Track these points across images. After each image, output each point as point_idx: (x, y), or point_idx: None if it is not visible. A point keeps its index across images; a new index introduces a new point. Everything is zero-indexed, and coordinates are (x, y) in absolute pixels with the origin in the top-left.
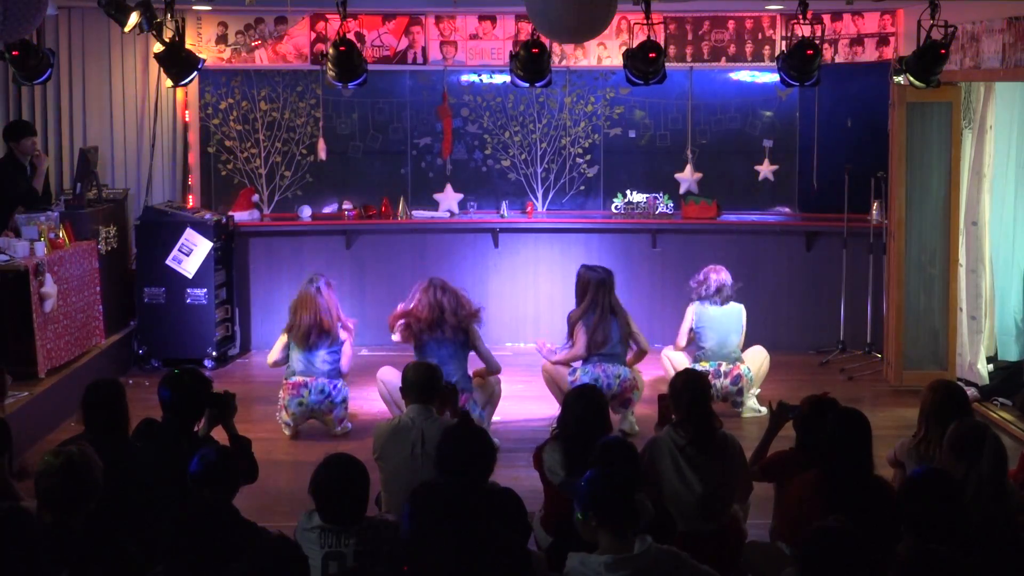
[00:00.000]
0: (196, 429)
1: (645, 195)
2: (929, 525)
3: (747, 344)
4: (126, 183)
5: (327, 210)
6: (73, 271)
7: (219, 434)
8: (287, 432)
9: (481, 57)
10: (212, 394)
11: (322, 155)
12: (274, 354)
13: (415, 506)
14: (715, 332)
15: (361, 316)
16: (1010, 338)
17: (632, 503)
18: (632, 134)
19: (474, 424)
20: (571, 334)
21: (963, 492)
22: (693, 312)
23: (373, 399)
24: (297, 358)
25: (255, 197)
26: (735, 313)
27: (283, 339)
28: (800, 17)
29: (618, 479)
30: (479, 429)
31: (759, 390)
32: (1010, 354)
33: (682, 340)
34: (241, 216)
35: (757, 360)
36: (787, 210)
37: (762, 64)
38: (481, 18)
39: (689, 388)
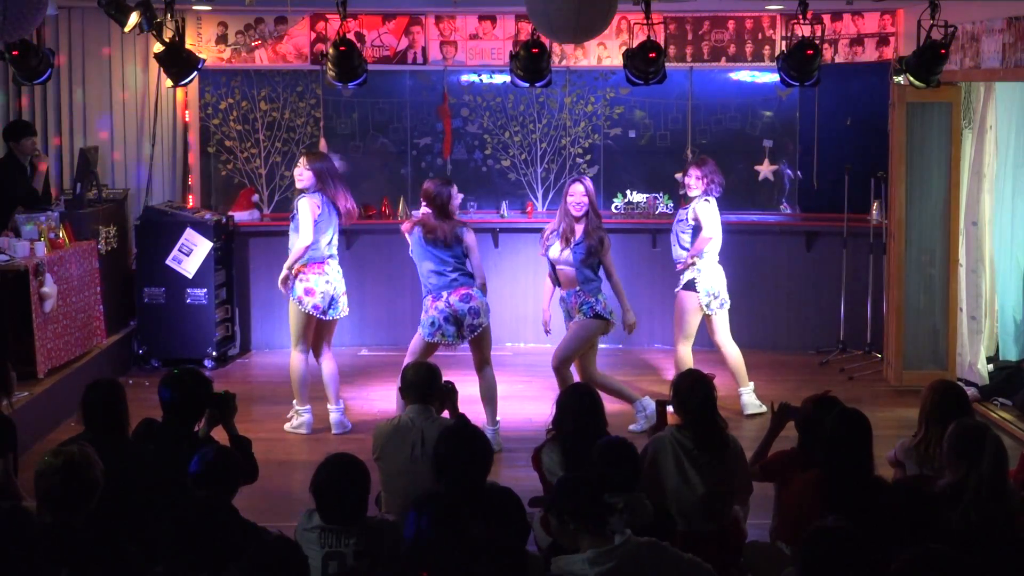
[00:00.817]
0: (196, 429)
1: (645, 195)
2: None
3: (747, 343)
4: (126, 183)
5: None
6: (73, 271)
7: (219, 434)
8: (299, 354)
9: (481, 57)
10: (212, 394)
11: None
12: (309, 236)
13: (416, 513)
14: (719, 227)
15: (361, 316)
16: (1010, 338)
17: (603, 501)
18: (632, 134)
19: (471, 426)
20: (600, 264)
21: (935, 502)
22: (707, 210)
23: (373, 399)
24: (326, 243)
25: (255, 197)
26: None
27: (311, 220)
28: (800, 17)
29: (585, 480)
30: (476, 431)
31: (752, 384)
32: (1010, 354)
33: (712, 239)
34: (241, 216)
35: (734, 355)
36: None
37: (762, 64)
38: (481, 18)
39: (698, 390)
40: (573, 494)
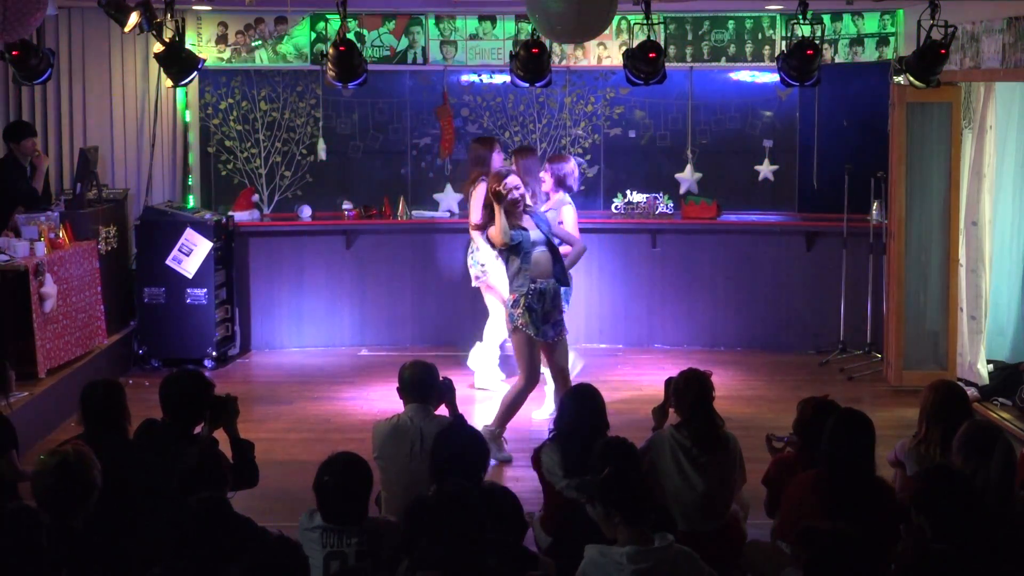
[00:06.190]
0: (196, 431)
1: (645, 195)
2: (943, 522)
3: (747, 343)
4: (126, 183)
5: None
6: (73, 271)
7: (223, 437)
8: None
9: (481, 57)
10: (213, 396)
11: (322, 155)
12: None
13: (413, 516)
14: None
15: (361, 316)
16: (1009, 339)
17: (651, 500)
18: (632, 134)
19: (468, 426)
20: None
21: (975, 487)
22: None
23: (374, 399)
24: None
25: (255, 197)
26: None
27: None
28: (800, 17)
29: (635, 473)
30: (472, 431)
31: None
32: (1009, 354)
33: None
34: (241, 216)
35: None
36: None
37: (762, 64)
38: (481, 18)
39: (692, 387)
40: (627, 488)
